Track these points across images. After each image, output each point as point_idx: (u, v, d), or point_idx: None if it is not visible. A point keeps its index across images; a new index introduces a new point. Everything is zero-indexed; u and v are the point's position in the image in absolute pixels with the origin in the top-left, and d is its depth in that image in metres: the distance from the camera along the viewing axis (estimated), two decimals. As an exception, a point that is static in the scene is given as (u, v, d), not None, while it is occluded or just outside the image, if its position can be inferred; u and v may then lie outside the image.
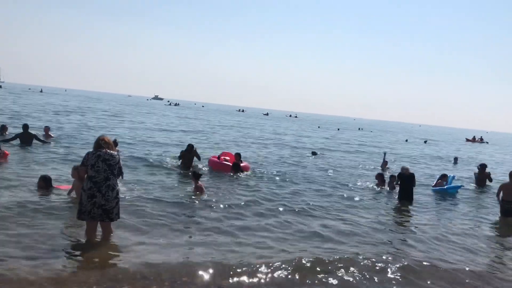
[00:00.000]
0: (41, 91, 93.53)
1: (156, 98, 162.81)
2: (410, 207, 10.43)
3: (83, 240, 6.05)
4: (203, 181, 10.00)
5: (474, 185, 14.90)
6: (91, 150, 6.09)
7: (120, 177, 6.28)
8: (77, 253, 5.65)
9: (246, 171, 13.22)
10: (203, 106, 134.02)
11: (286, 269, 5.44)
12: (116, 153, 6.16)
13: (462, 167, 21.99)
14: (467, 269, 6.13)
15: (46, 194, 8.33)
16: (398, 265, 5.87)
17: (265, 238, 6.76)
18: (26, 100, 49.13)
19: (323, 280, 5.36)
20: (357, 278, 5.48)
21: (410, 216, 9.54)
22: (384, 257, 6.12)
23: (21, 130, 14.64)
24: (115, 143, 14.23)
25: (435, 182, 13.74)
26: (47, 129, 17.19)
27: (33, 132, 15.02)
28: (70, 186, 8.73)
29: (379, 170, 16.22)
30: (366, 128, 76.53)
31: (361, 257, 5.98)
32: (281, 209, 8.77)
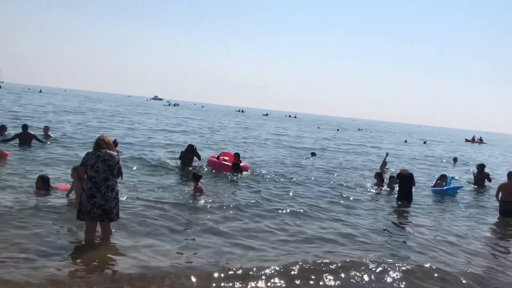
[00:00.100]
0: (40, 91, 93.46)
1: (155, 98, 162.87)
2: (409, 208, 10.43)
3: (83, 241, 6.03)
4: (202, 182, 9.98)
5: (473, 185, 14.94)
6: (90, 150, 6.09)
7: (120, 178, 6.28)
8: (77, 253, 5.63)
9: (245, 171, 13.22)
10: (202, 107, 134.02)
11: (285, 273, 5.38)
12: (115, 153, 6.16)
13: (461, 168, 22.01)
14: (467, 271, 6.10)
15: (44, 194, 8.32)
16: (398, 269, 5.81)
17: (264, 241, 6.72)
18: (26, 100, 49.10)
19: (323, 284, 5.32)
20: (358, 282, 5.44)
21: (410, 218, 9.51)
22: (384, 261, 6.07)
23: (20, 130, 14.63)
24: (115, 143, 14.24)
25: (434, 182, 13.75)
26: (46, 129, 17.18)
27: (32, 132, 15.02)
28: (68, 186, 8.72)
29: (378, 170, 16.21)
30: (365, 128, 76.56)
31: (361, 261, 5.92)
32: (280, 211, 8.72)
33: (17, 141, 14.18)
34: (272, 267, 5.48)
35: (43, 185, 8.54)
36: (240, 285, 5.08)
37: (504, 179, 10.32)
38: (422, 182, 14.57)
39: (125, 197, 8.20)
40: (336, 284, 5.36)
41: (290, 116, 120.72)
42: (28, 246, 5.63)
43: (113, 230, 6.35)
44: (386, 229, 8.17)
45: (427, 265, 6.14)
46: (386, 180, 12.94)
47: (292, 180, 12.80)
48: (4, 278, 4.70)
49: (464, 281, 5.76)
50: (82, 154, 7.13)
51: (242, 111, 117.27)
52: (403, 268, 5.88)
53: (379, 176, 13.02)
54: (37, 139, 14.72)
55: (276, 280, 5.27)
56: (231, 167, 13.01)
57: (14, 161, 11.38)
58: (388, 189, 12.44)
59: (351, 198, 10.83)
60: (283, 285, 5.20)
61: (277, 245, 6.59)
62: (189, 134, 27.98)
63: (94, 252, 5.69)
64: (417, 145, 40.45)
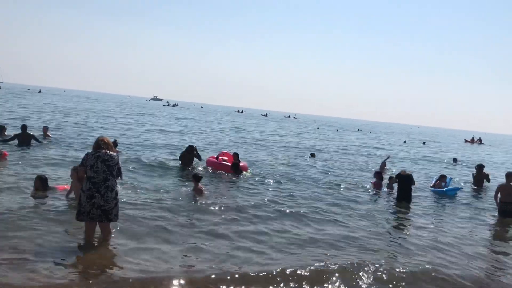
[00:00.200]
0: (40, 92, 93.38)
1: (155, 98, 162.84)
2: (409, 209, 10.40)
3: (82, 242, 6.02)
4: (202, 183, 9.96)
5: (472, 185, 14.94)
6: (90, 150, 6.10)
7: (119, 178, 6.28)
8: (76, 256, 5.60)
9: (244, 171, 13.22)
10: (202, 107, 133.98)
11: (286, 277, 5.34)
12: (115, 154, 6.16)
13: (460, 168, 22.03)
14: (467, 273, 6.08)
15: (43, 194, 8.30)
16: (397, 271, 5.80)
17: (265, 244, 6.67)
18: (25, 100, 49.06)
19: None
20: (357, 285, 5.41)
21: (409, 219, 9.48)
22: (383, 264, 6.03)
23: (19, 131, 14.63)
24: (115, 143, 14.24)
25: (433, 182, 13.77)
26: (45, 129, 17.18)
27: (31, 132, 15.01)
28: (67, 187, 8.72)
29: (377, 169, 16.22)
30: (365, 129, 76.60)
31: (360, 265, 5.89)
32: (279, 212, 8.68)
33: (16, 141, 14.18)
34: (272, 271, 5.45)
35: (42, 185, 8.53)
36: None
37: (502, 179, 10.33)
38: (422, 182, 14.57)
39: (124, 198, 8.16)
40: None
41: (289, 116, 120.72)
42: (26, 248, 5.60)
43: (113, 230, 6.35)
44: (385, 231, 8.13)
45: (427, 267, 6.11)
46: (386, 181, 12.94)
47: (291, 181, 12.78)
48: (1, 282, 4.66)
49: (464, 283, 5.75)
50: (82, 154, 7.11)
51: (242, 112, 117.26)
52: (403, 271, 5.86)
53: (378, 175, 13.02)
54: (36, 140, 14.72)
55: (277, 284, 5.21)
56: (230, 167, 13.01)
57: (14, 162, 11.37)
58: (387, 189, 12.45)
59: (350, 199, 10.83)
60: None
61: (277, 248, 6.53)
62: (188, 134, 27.97)
63: (93, 255, 5.66)
64: (416, 145, 40.47)
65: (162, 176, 11.83)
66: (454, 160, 25.27)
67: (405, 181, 11.04)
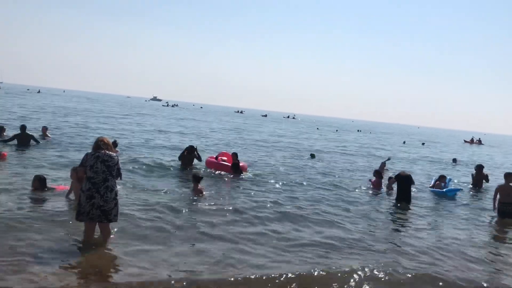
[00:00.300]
0: (39, 92, 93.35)
1: (154, 99, 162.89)
2: (408, 210, 10.37)
3: (81, 244, 6.00)
4: (202, 184, 9.92)
5: (471, 186, 14.93)
6: (90, 151, 6.09)
7: (119, 178, 6.27)
8: (74, 258, 5.57)
9: (244, 171, 13.21)
10: (201, 107, 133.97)
11: (285, 281, 5.30)
12: (114, 154, 6.15)
13: (460, 168, 22.02)
14: (466, 276, 6.04)
15: (42, 195, 8.29)
16: (397, 275, 5.75)
17: (263, 246, 6.61)
18: (24, 101, 49.04)
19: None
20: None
21: (409, 221, 9.40)
22: (383, 267, 5.98)
23: (18, 131, 14.62)
24: (115, 144, 14.23)
25: (432, 183, 13.77)
26: (44, 129, 17.17)
27: (30, 133, 15.01)
28: (65, 187, 8.72)
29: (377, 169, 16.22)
30: (364, 129, 76.62)
31: (360, 268, 5.83)
32: (279, 214, 8.61)
33: (15, 141, 14.18)
34: (272, 274, 5.40)
35: (40, 185, 8.53)
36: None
37: (502, 180, 10.33)
38: (421, 183, 14.56)
39: (124, 199, 8.14)
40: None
41: (288, 116, 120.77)
42: (25, 250, 5.56)
43: (113, 232, 6.33)
44: (385, 234, 8.07)
45: (426, 270, 6.08)
46: (385, 181, 12.94)
47: (291, 182, 12.76)
48: (0, 285, 4.64)
49: (463, 285, 5.72)
50: (81, 155, 7.07)
51: (241, 112, 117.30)
52: (402, 273, 5.82)
53: (378, 174, 13.01)
54: (35, 140, 14.72)
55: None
56: (230, 167, 13.01)
57: (13, 162, 11.36)
58: (387, 189, 12.45)
59: (350, 200, 10.79)
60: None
61: (277, 250, 6.47)
62: (187, 135, 27.97)
63: (93, 255, 5.63)
64: (416, 146, 40.49)
65: (161, 176, 11.82)
66: (454, 160, 25.29)
67: (404, 181, 11.03)
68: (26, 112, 31.72)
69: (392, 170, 17.50)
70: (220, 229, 7.27)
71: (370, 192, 12.35)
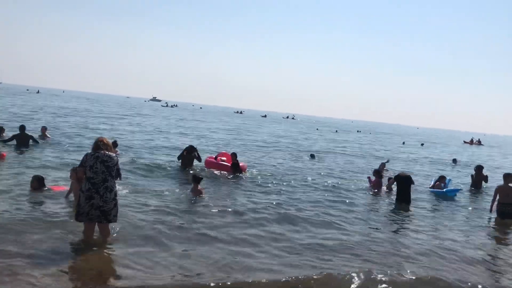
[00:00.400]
0: (38, 92, 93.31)
1: (154, 99, 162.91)
2: (408, 211, 10.32)
3: (81, 242, 5.99)
4: (201, 184, 9.89)
5: (470, 187, 14.91)
6: (89, 151, 6.08)
7: (118, 179, 6.26)
8: (73, 261, 5.55)
9: (244, 171, 13.20)
10: (201, 108, 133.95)
11: (284, 285, 5.25)
12: (114, 155, 6.15)
13: (459, 169, 22.03)
14: (466, 279, 6.01)
15: (41, 195, 8.28)
16: (397, 278, 5.71)
17: (263, 249, 6.56)
18: (23, 101, 49.01)
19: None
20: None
21: (409, 223, 9.31)
22: (382, 270, 5.92)
23: (17, 131, 14.61)
24: (115, 144, 14.22)
25: (432, 183, 13.76)
26: (44, 129, 17.15)
27: (29, 133, 14.99)
28: (64, 187, 8.71)
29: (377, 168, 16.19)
30: (364, 130, 76.66)
31: (359, 271, 5.78)
32: (278, 216, 8.52)
33: (14, 142, 14.17)
34: (270, 278, 5.37)
35: (39, 185, 8.53)
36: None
37: (501, 181, 10.33)
38: (420, 184, 14.54)
39: (122, 200, 8.08)
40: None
41: (288, 117, 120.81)
42: (23, 251, 5.52)
43: (112, 233, 6.31)
44: (384, 236, 7.98)
45: (425, 272, 6.03)
46: (385, 182, 12.93)
47: (290, 183, 12.72)
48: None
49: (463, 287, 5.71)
50: (80, 155, 7.04)
51: (241, 112, 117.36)
52: (402, 276, 5.77)
53: (377, 174, 12.99)
54: (34, 140, 14.72)
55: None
56: (230, 167, 12.99)
57: (12, 162, 11.34)
58: (386, 190, 12.44)
59: (350, 202, 10.70)
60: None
61: (276, 253, 6.40)
62: (186, 135, 27.96)
63: (91, 259, 5.57)
64: (415, 147, 40.50)
65: (161, 177, 11.79)
66: (454, 161, 25.29)
67: (404, 182, 11.01)
68: (26, 112, 31.70)
69: (391, 170, 17.49)
70: (220, 230, 7.22)
71: (370, 192, 12.34)
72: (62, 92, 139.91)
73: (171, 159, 14.66)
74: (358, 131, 67.65)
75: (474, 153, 39.48)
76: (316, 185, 12.75)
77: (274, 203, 9.64)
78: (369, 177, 13.39)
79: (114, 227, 6.43)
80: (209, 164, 13.55)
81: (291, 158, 20.00)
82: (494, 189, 10.31)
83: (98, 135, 7.20)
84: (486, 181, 14.86)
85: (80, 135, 20.37)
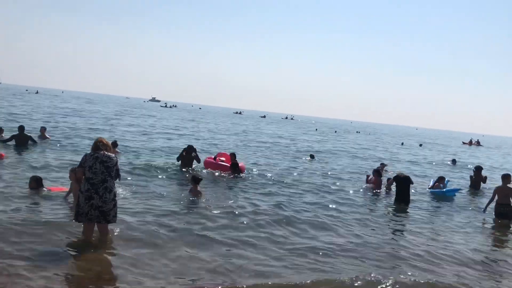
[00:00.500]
0: (37, 92, 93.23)
1: (153, 100, 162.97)
2: (407, 213, 10.32)
3: (80, 243, 5.98)
4: (201, 185, 9.87)
5: (469, 187, 14.92)
6: (88, 152, 6.09)
7: (118, 179, 6.27)
8: (74, 259, 5.55)
9: (242, 171, 13.19)
10: (200, 108, 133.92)
11: None
12: (113, 155, 6.15)
13: (458, 170, 22.04)
14: (464, 282, 5.98)
15: (40, 196, 8.27)
16: (396, 282, 5.67)
17: (262, 252, 6.52)
18: (22, 101, 48.96)
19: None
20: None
21: (408, 226, 9.23)
22: (382, 275, 5.86)
23: (16, 132, 14.61)
24: (115, 144, 14.21)
25: (431, 184, 13.77)
26: (43, 129, 17.14)
27: (28, 134, 15.00)
28: (63, 188, 8.71)
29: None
30: (363, 131, 76.71)
31: (359, 277, 5.73)
32: (278, 218, 8.41)
33: (13, 142, 14.17)
34: (269, 283, 5.35)
35: (36, 185, 8.53)
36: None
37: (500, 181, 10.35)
38: (418, 185, 14.54)
39: (121, 202, 8.00)
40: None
41: (287, 117, 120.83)
42: (20, 253, 5.49)
43: (111, 235, 6.29)
44: (383, 239, 7.91)
45: (425, 277, 5.98)
46: (384, 182, 12.94)
47: (290, 183, 12.70)
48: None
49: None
50: (79, 156, 7.03)
51: (240, 113, 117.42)
52: (401, 280, 5.74)
53: (377, 173, 12.99)
54: (33, 140, 14.73)
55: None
56: (229, 167, 12.99)
57: (11, 163, 11.34)
58: (386, 190, 12.46)
59: (349, 204, 10.63)
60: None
61: (275, 256, 6.36)
62: (185, 136, 27.95)
63: (89, 261, 5.54)
64: (414, 147, 40.51)
65: (160, 178, 11.75)
66: (453, 161, 25.30)
67: (403, 183, 11.03)
68: (25, 112, 31.67)
69: (391, 171, 17.51)
70: (219, 232, 7.18)
71: (369, 193, 12.34)
72: (61, 93, 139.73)
73: (170, 160, 14.64)
74: (357, 132, 67.70)
75: (473, 154, 39.50)
76: (316, 186, 12.73)
77: (273, 204, 9.63)
78: (368, 176, 13.39)
79: (113, 228, 6.43)
80: (208, 164, 13.53)
81: (291, 158, 20.00)
82: (492, 190, 10.34)
83: (97, 136, 7.19)
84: (484, 182, 14.88)
85: (79, 135, 20.35)
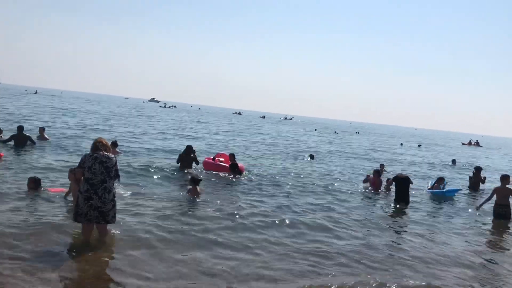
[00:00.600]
0: (36, 93, 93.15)
1: (152, 100, 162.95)
2: (406, 214, 10.31)
3: (80, 244, 5.96)
4: (199, 186, 9.84)
5: (469, 188, 14.92)
6: (88, 152, 6.07)
7: (117, 180, 6.26)
8: (73, 260, 5.54)
9: (242, 172, 13.18)
10: (199, 109, 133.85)
11: None
12: (113, 155, 6.15)
13: (457, 171, 22.05)
14: (464, 284, 5.98)
15: (39, 196, 8.25)
16: (395, 286, 5.66)
17: (261, 254, 6.49)
18: (21, 101, 48.92)
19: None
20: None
21: (407, 228, 9.16)
22: (382, 280, 5.82)
23: (15, 132, 14.60)
24: (115, 144, 14.19)
25: (431, 185, 13.76)
26: (42, 130, 17.11)
27: (27, 134, 14.99)
28: (62, 189, 8.69)
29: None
30: (363, 131, 76.73)
31: (358, 281, 5.72)
32: (278, 220, 8.36)
33: (12, 142, 14.16)
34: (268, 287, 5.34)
35: (35, 186, 8.52)
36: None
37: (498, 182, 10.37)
38: (419, 185, 14.54)
39: (120, 203, 7.92)
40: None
41: (286, 118, 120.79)
42: (18, 254, 5.47)
43: (112, 235, 6.28)
44: (383, 241, 7.84)
45: (425, 281, 5.94)
46: (384, 182, 12.94)
47: (289, 184, 12.67)
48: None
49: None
50: (78, 156, 7.02)
51: (239, 113, 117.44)
52: (401, 285, 5.70)
53: (377, 173, 12.99)
54: (32, 140, 14.71)
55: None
56: (229, 167, 12.98)
57: (10, 163, 11.32)
58: (385, 190, 12.46)
59: (349, 205, 10.56)
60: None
61: (275, 259, 6.33)
62: (183, 136, 27.93)
63: (88, 262, 5.51)
64: (413, 148, 40.52)
65: (159, 179, 11.70)
66: (453, 161, 25.31)
67: (402, 183, 11.05)
68: (24, 112, 31.64)
69: (390, 171, 17.51)
70: (218, 234, 7.15)
71: (369, 194, 12.34)
72: (60, 93, 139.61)
73: (169, 161, 14.61)
74: (356, 133, 67.75)
75: (472, 154, 39.51)
76: (315, 187, 12.70)
77: (273, 205, 9.60)
78: (368, 175, 13.38)
79: (112, 228, 6.41)
80: (207, 165, 13.51)
81: (290, 159, 19.99)
82: (491, 191, 10.35)
83: (97, 136, 7.18)
84: (483, 183, 14.88)
85: (78, 135, 20.33)
